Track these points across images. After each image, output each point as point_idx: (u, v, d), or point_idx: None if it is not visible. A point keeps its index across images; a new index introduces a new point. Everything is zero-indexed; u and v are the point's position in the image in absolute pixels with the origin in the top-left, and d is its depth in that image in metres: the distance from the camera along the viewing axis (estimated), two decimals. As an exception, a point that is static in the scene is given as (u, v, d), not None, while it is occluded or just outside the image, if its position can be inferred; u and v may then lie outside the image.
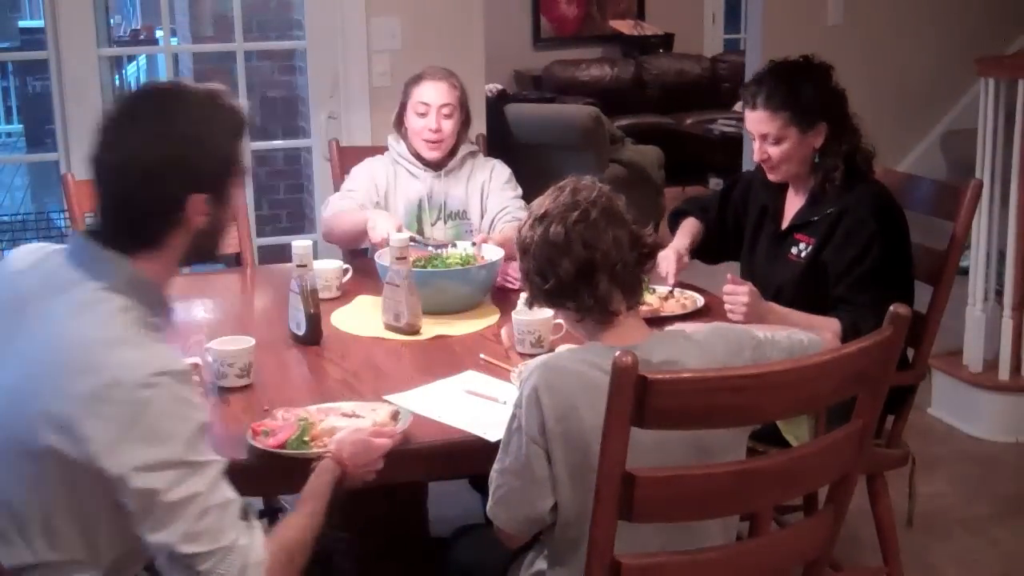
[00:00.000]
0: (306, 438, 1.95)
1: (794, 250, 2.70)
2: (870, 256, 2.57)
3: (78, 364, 1.57)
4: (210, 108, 1.70)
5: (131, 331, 1.62)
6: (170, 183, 1.65)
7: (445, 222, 3.15)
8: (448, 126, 3.10)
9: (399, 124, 3.18)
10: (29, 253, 1.76)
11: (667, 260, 2.76)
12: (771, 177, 2.74)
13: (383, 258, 2.69)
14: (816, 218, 2.67)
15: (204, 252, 1.78)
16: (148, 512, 1.56)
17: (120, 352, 1.58)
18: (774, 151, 2.67)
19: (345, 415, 2.03)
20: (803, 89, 2.64)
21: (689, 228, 2.94)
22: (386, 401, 2.12)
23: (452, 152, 3.16)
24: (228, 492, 1.62)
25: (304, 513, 1.76)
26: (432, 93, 3.08)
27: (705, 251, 2.94)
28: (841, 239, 2.61)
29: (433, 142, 3.10)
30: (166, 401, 1.56)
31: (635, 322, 1.91)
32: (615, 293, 1.86)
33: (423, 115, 3.09)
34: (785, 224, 2.76)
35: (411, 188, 3.14)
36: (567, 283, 1.86)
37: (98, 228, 1.69)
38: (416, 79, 3.13)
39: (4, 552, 1.63)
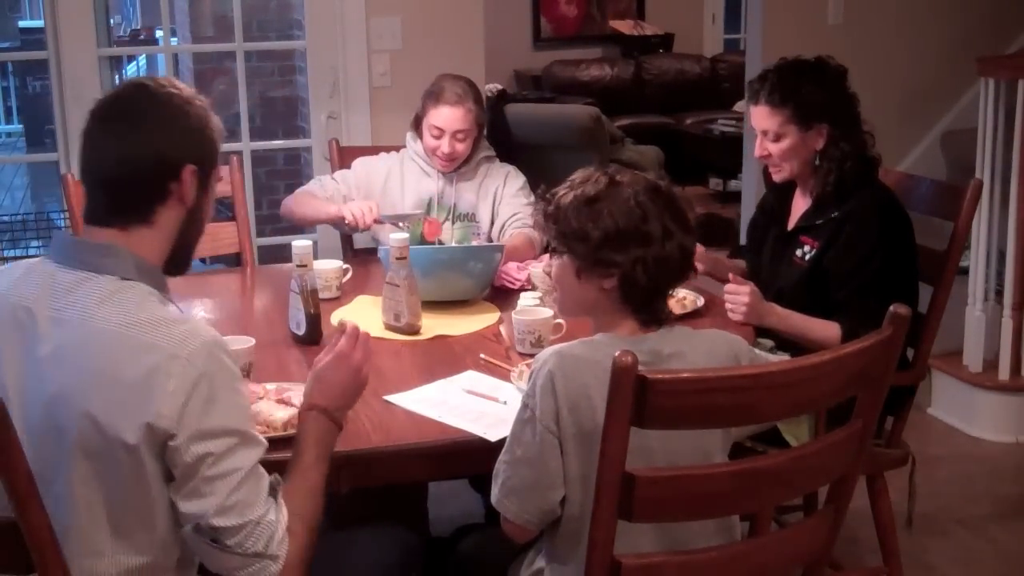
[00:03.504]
0: None
1: (798, 252, 2.70)
2: (872, 262, 2.57)
3: (129, 348, 1.57)
4: (204, 104, 1.76)
5: (167, 311, 1.64)
6: (169, 149, 1.68)
7: (453, 223, 3.17)
8: (461, 148, 3.13)
9: (416, 127, 3.20)
10: (6, 272, 1.74)
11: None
12: (774, 176, 2.75)
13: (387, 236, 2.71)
14: (820, 222, 2.67)
15: (187, 243, 1.77)
16: (190, 479, 1.58)
17: (169, 329, 1.59)
18: (774, 148, 2.67)
19: (281, 401, 2.02)
20: (807, 88, 2.63)
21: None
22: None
23: (467, 159, 3.19)
24: (262, 469, 1.65)
25: (305, 476, 1.75)
26: (447, 119, 3.09)
27: None
28: (844, 244, 2.60)
29: (446, 161, 3.14)
30: (225, 371, 1.60)
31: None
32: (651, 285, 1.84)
33: (437, 137, 3.11)
34: (791, 226, 2.76)
35: (423, 186, 3.17)
36: (637, 241, 1.80)
37: (87, 216, 1.70)
38: (434, 99, 3.11)
39: (86, 562, 1.62)
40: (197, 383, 1.56)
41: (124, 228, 1.68)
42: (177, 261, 1.77)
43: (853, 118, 2.68)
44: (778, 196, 2.82)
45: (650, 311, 1.86)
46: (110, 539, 1.61)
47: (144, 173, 1.68)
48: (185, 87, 1.76)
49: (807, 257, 2.67)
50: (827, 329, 2.55)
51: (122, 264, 1.65)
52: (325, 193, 3.18)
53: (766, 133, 2.67)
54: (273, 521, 1.63)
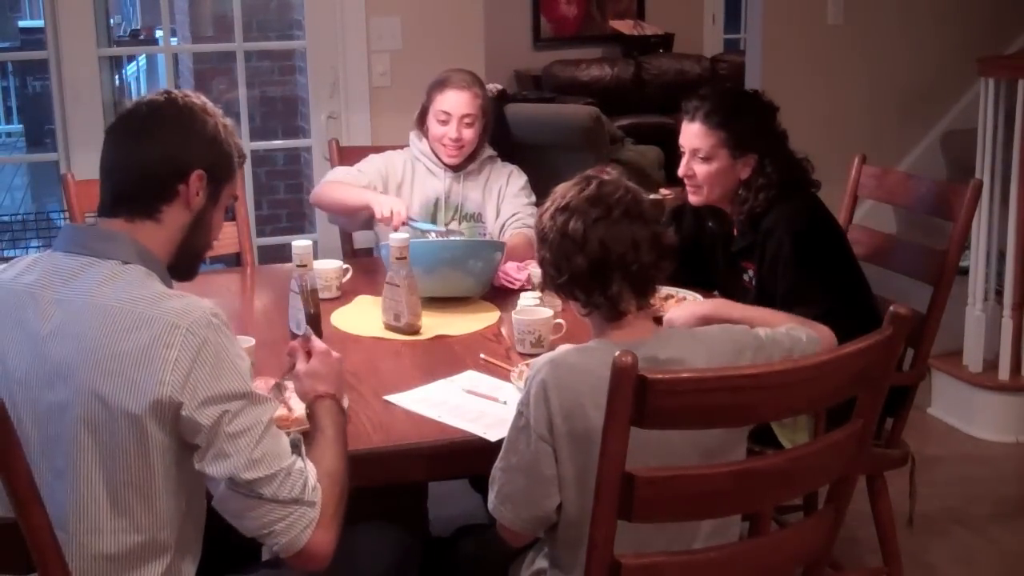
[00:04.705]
0: None
1: (745, 277, 2.74)
2: (795, 273, 2.57)
3: (128, 322, 1.62)
4: (228, 123, 1.84)
5: (166, 289, 1.70)
6: (178, 151, 1.75)
7: (460, 223, 3.17)
8: (469, 134, 3.13)
9: (420, 123, 3.20)
10: (13, 264, 1.79)
11: None
12: (691, 198, 2.73)
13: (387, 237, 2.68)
14: (745, 245, 2.69)
15: (193, 249, 1.83)
16: (213, 442, 1.62)
17: (167, 302, 1.65)
18: (700, 169, 2.66)
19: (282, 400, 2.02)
20: (745, 117, 2.65)
21: None
22: None
23: (472, 155, 3.18)
24: (278, 427, 1.71)
25: (329, 444, 1.81)
26: (454, 103, 3.09)
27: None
28: (769, 263, 2.62)
29: (454, 150, 3.12)
30: (222, 340, 1.65)
31: (644, 320, 1.91)
32: (626, 293, 1.85)
33: (444, 123, 3.10)
34: (733, 249, 2.78)
35: (429, 186, 3.16)
36: (579, 278, 1.87)
37: (98, 211, 1.77)
38: (440, 86, 3.13)
39: (86, 539, 1.65)
40: (200, 351, 1.61)
41: (130, 219, 1.75)
42: (182, 266, 1.82)
43: (780, 153, 2.68)
44: (717, 220, 2.81)
45: (615, 312, 1.87)
46: (109, 515, 1.64)
47: (151, 170, 1.75)
48: (210, 104, 1.83)
49: (753, 281, 2.71)
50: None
51: (124, 249, 1.71)
52: (361, 181, 3.13)
53: (695, 152, 2.66)
54: (303, 469, 1.69)
